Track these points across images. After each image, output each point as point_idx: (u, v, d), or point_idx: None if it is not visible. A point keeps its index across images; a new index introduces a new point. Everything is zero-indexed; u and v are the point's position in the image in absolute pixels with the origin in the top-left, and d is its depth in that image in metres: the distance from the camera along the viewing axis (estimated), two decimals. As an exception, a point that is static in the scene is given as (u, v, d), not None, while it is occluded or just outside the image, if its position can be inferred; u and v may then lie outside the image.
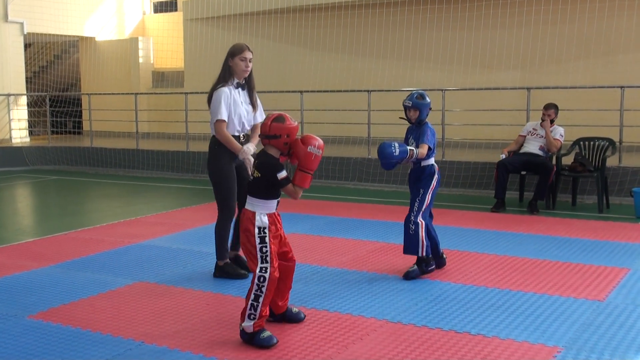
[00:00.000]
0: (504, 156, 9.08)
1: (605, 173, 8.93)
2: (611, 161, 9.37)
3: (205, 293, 5.37)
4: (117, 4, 19.22)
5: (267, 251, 4.28)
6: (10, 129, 16.47)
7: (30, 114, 17.70)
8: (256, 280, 4.24)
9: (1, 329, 4.62)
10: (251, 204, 4.37)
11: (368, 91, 12.07)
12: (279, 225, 4.46)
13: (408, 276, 5.65)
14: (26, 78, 17.31)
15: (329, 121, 13.17)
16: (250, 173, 4.62)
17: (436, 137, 5.80)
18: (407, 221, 5.76)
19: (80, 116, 18.76)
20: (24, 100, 17.00)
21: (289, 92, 13.61)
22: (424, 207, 5.74)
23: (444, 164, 10.76)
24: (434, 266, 5.80)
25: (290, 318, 4.65)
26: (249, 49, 5.73)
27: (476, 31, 13.47)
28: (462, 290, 5.33)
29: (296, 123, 4.36)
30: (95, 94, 16.37)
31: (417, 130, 5.77)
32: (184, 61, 17.49)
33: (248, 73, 5.75)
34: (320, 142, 4.35)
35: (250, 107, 5.83)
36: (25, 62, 17.38)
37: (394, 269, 5.97)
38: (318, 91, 13.50)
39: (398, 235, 7.28)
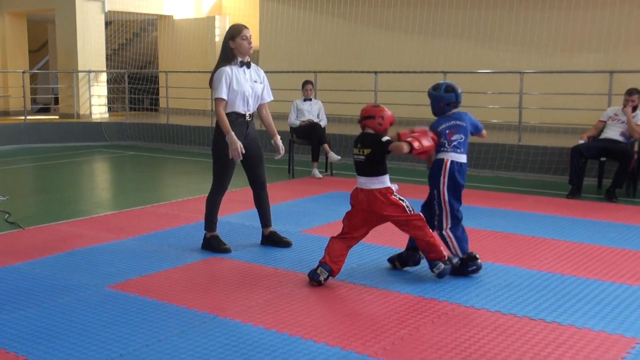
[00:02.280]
0: (582, 141, 8.85)
1: (690, 161, 8.60)
2: (697, 149, 9.01)
3: (278, 270, 5.42)
4: (195, -18, 19.46)
5: (408, 204, 5.04)
6: (91, 105, 16.93)
7: (109, 90, 18.14)
8: (421, 223, 5.04)
9: (81, 297, 4.77)
10: (373, 182, 5.01)
11: (444, 72, 11.90)
12: None
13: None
14: (106, 55, 17.73)
15: (404, 102, 13.05)
16: (355, 154, 5.08)
17: (457, 129, 5.23)
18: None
19: (157, 93, 19.13)
20: (103, 77, 17.42)
21: (363, 72, 13.54)
22: (444, 212, 5.20)
23: (520, 148, 10.57)
24: (478, 266, 5.23)
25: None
26: (246, 28, 5.83)
27: (557, 11, 13.11)
28: (537, 277, 5.23)
29: (391, 113, 5.05)
30: (172, 71, 16.64)
31: (449, 118, 5.31)
32: (259, 40, 17.60)
33: (251, 51, 5.83)
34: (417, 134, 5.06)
35: (257, 85, 5.87)
36: (105, 40, 17.79)
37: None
38: (392, 72, 13.38)
39: (470, 219, 7.19)
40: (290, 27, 16.82)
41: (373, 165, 5.01)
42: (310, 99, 10.63)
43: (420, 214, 5.10)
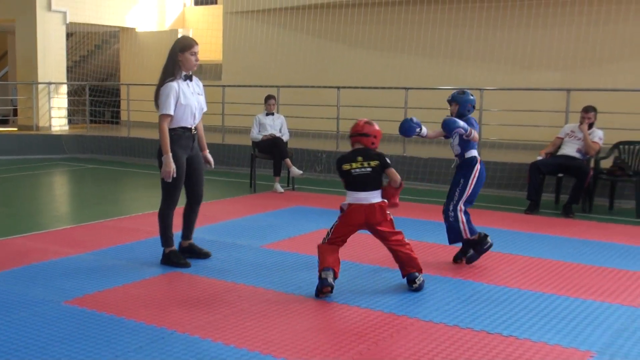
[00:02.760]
0: (540, 158, 9.00)
1: (644, 178, 8.80)
2: (651, 166, 9.21)
3: (238, 285, 5.41)
4: (158, -5, 19.41)
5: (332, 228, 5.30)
6: (50, 117, 16.74)
7: (69, 102, 17.96)
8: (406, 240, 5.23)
9: (37, 313, 4.70)
10: (374, 196, 5.13)
11: (406, 88, 12.02)
12: None
13: (470, 261, 6.06)
14: (67, 67, 17.56)
15: (366, 118, 13.13)
16: (355, 169, 5.15)
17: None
18: (446, 210, 6.08)
19: (119, 106, 18.99)
20: (64, 89, 17.26)
21: (326, 87, 13.61)
22: (464, 197, 5.99)
23: (480, 164, 10.67)
24: (489, 243, 6.01)
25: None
26: (197, 43, 5.83)
27: (517, 30, 13.35)
28: (494, 292, 5.30)
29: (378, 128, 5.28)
30: (134, 84, 16.53)
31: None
32: (222, 54, 17.60)
33: (196, 67, 5.83)
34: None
35: (201, 97, 5.91)
36: (67, 51, 17.63)
37: (426, 268, 5.94)
38: (355, 87, 13.48)
39: (432, 234, 7.27)
40: (253, 41, 16.85)
41: (377, 179, 5.16)
42: (273, 114, 10.64)
43: (401, 230, 5.31)
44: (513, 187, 10.34)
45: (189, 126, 5.80)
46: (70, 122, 17.94)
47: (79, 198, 10.55)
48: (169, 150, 5.64)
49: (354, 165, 5.13)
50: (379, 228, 5.17)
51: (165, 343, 4.16)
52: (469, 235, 6.00)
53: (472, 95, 6.16)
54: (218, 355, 3.97)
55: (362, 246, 6.73)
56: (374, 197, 5.13)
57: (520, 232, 7.48)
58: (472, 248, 6.05)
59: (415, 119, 5.97)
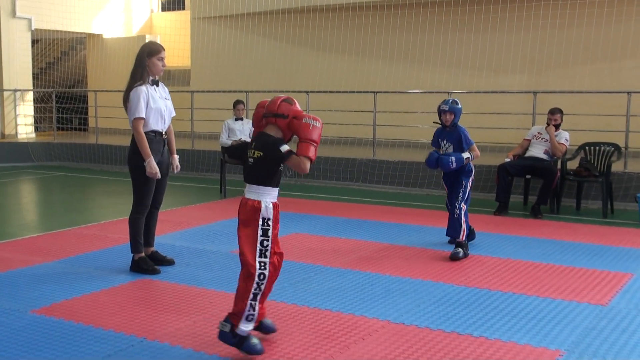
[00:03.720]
0: (508, 160, 9.08)
1: (610, 178, 8.92)
2: (616, 166, 9.34)
3: (209, 290, 5.37)
4: (125, 1, 19.28)
5: (267, 245, 4.07)
6: (17, 125, 16.52)
7: (36, 110, 17.74)
8: (256, 278, 4.00)
9: (4, 323, 4.62)
10: (254, 192, 4.12)
11: (374, 92, 12.06)
12: (278, 217, 4.23)
13: (455, 257, 6.32)
14: (33, 74, 17.35)
15: (335, 122, 13.16)
16: (248, 156, 4.15)
17: None
18: (452, 205, 6.61)
19: (86, 113, 18.80)
20: (30, 96, 17.04)
21: (294, 92, 13.60)
22: (467, 196, 6.61)
23: (449, 167, 10.73)
24: (469, 252, 6.49)
25: (266, 327, 4.33)
26: (164, 49, 5.87)
27: (483, 34, 13.46)
28: (465, 293, 5.32)
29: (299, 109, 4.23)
30: (102, 91, 16.38)
31: (451, 133, 6.65)
32: (190, 60, 17.52)
33: (162, 72, 5.87)
34: (314, 116, 4.14)
35: (168, 102, 5.92)
36: (33, 58, 17.42)
37: (397, 270, 5.97)
38: (324, 92, 13.49)
39: (401, 236, 7.30)
40: (222, 46, 16.79)
41: (261, 172, 4.16)
42: (242, 119, 10.61)
43: (266, 262, 4.09)
44: (482, 189, 10.41)
45: (160, 130, 5.82)
46: (37, 129, 17.71)
47: (46, 206, 10.41)
48: (149, 153, 5.65)
49: (249, 152, 4.16)
50: (238, 231, 4.15)
51: (134, 351, 4.12)
52: (464, 239, 6.50)
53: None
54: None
55: (331, 251, 6.73)
56: (252, 191, 4.14)
57: (489, 234, 7.54)
58: (460, 247, 6.47)
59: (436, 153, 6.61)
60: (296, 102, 4.22)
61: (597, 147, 9.29)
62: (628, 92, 10.02)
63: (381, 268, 6.04)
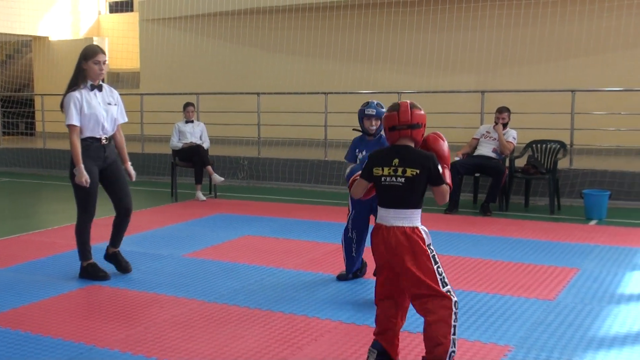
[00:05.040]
0: (458, 158, 9.20)
1: (556, 175, 9.10)
2: (562, 163, 9.54)
3: (159, 295, 5.33)
4: (71, 3, 18.97)
5: (442, 271, 3.62)
6: (-40, 130, 16.12)
7: (-19, 114, 17.34)
8: (454, 309, 3.57)
9: (-52, 333, 4.52)
10: (405, 217, 3.61)
11: (325, 93, 12.10)
12: None
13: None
14: (-23, 78, 16.98)
15: (286, 123, 13.18)
16: (386, 177, 3.64)
17: None
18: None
19: (33, 117, 18.45)
20: (-26, 100, 16.67)
21: (246, 93, 13.57)
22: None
23: (400, 166, 10.81)
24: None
25: None
26: (102, 52, 5.63)
27: (432, 34, 13.61)
28: (416, 291, 5.37)
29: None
30: (49, 94, 16.08)
31: (372, 143, 5.44)
32: (139, 62, 17.33)
33: (103, 76, 5.67)
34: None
35: (111, 107, 5.71)
36: (-24, 62, 17.05)
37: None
38: (275, 93, 13.48)
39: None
40: (171, 48, 16.65)
41: (414, 194, 3.65)
42: (193, 121, 10.54)
43: (452, 290, 3.68)
44: (433, 188, 10.50)
45: (98, 136, 5.62)
46: (-19, 134, 17.31)
47: (-8, 213, 10.19)
48: (80, 160, 5.50)
49: (386, 170, 3.66)
50: (406, 269, 3.58)
51: (84, 359, 4.06)
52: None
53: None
54: None
55: (283, 252, 6.74)
56: (399, 217, 3.63)
57: (440, 232, 7.61)
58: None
59: None
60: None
61: (544, 145, 9.47)
62: (572, 91, 10.23)
63: (334, 269, 6.06)
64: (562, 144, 9.36)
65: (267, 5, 15.04)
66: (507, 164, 9.24)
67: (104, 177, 5.76)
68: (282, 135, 13.59)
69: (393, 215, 3.62)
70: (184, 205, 9.84)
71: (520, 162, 9.50)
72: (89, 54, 5.58)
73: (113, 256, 6.00)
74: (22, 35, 18.52)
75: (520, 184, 9.59)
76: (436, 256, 3.64)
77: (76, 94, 5.55)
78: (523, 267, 6.06)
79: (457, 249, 6.82)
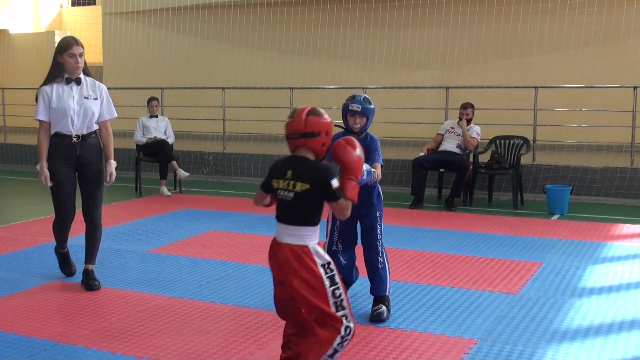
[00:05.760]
0: (422, 154, 9.26)
1: (520, 170, 9.21)
2: (525, 159, 9.65)
3: (124, 291, 5.28)
4: (32, -4, 18.68)
5: (340, 293, 3.29)
6: None
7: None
8: (342, 333, 3.28)
9: None
10: (295, 234, 3.30)
11: (290, 89, 12.09)
12: None
13: (380, 319, 4.58)
14: None
15: (252, 118, 13.13)
16: (280, 190, 3.35)
17: None
18: (373, 254, 4.78)
19: (-7, 111, 18.10)
20: None
21: (210, 88, 13.50)
22: (382, 229, 4.86)
23: (365, 162, 10.84)
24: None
25: None
26: (77, 44, 5.27)
27: (397, 30, 13.67)
28: (382, 286, 5.39)
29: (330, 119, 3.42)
30: (10, 88, 15.82)
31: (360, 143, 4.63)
32: (103, 56, 17.13)
33: (80, 69, 5.31)
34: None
35: (89, 102, 5.32)
36: None
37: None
38: (240, 88, 13.43)
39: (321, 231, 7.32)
40: (135, 42, 16.48)
41: (306, 209, 3.33)
42: (157, 116, 10.46)
43: (347, 314, 3.35)
44: (397, 183, 10.58)
45: (67, 133, 5.28)
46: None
47: (-49, 209, 10.00)
48: (42, 157, 5.26)
49: (281, 182, 3.36)
50: (294, 289, 3.28)
51: (47, 355, 4.01)
52: (389, 292, 4.80)
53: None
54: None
55: (249, 248, 6.72)
56: (291, 234, 3.33)
57: (405, 227, 7.67)
58: (382, 303, 4.72)
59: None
60: (324, 112, 3.39)
61: (507, 141, 9.57)
62: (535, 87, 10.36)
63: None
64: (525, 140, 9.48)
65: (231, 0, 14.96)
66: (471, 159, 9.31)
67: (79, 179, 5.45)
68: (247, 130, 13.55)
69: (284, 231, 3.32)
70: (149, 200, 9.76)
71: (484, 158, 9.59)
72: (64, 47, 5.26)
73: (84, 273, 5.50)
74: (-19, 28, 18.20)
75: (484, 179, 9.68)
76: (336, 277, 3.29)
77: (46, 87, 5.30)
78: (487, 261, 6.13)
79: (421, 243, 6.87)
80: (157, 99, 10.61)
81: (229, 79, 14.50)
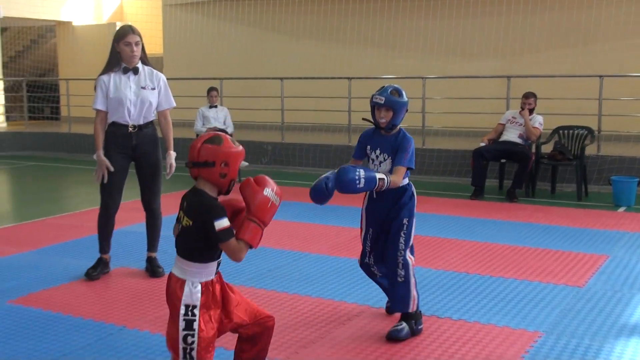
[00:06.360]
0: (483, 144, 9.13)
1: (584, 161, 9.01)
2: (590, 150, 9.43)
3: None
4: (95, -12, 19.03)
5: (193, 342, 3.02)
6: (-14, 114, 16.28)
7: (6, 99, 17.49)
8: None
9: (-20, 314, 4.57)
10: (179, 267, 3.11)
11: (349, 78, 12.05)
12: (219, 294, 3.17)
13: (397, 337, 4.07)
14: (2, 63, 17.09)
15: (309, 108, 13.14)
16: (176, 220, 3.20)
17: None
18: (392, 264, 4.20)
19: (58, 102, 18.56)
20: (0, 85, 16.78)
21: (268, 78, 13.55)
22: (410, 242, 4.25)
23: (424, 152, 10.78)
24: (422, 325, 4.24)
25: None
26: (133, 32, 5.23)
27: (457, 19, 13.49)
28: (443, 276, 5.35)
29: (240, 148, 3.13)
30: (73, 79, 16.17)
31: (388, 140, 4.19)
32: (163, 47, 17.36)
33: (137, 58, 5.28)
34: (278, 188, 3.22)
35: (146, 92, 5.31)
36: (2, 47, 17.14)
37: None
38: (298, 78, 13.45)
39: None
40: (195, 33, 16.66)
41: (191, 244, 3.10)
42: (216, 106, 10.55)
43: None
44: (457, 173, 10.46)
45: (124, 123, 5.26)
46: (8, 119, 17.46)
47: (19, 196, 10.29)
48: (99, 146, 5.25)
49: (180, 212, 3.18)
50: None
51: (114, 339, 4.09)
52: (415, 308, 4.19)
53: (406, 96, 4.24)
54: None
55: (308, 237, 6.73)
56: (177, 266, 3.14)
57: (466, 218, 7.58)
58: (404, 320, 4.18)
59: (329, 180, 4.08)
60: (228, 138, 3.11)
61: (571, 131, 9.36)
62: (600, 76, 10.11)
63: (359, 254, 6.03)
64: (590, 130, 9.26)
65: (290, -10, 15.00)
66: (533, 149, 9.15)
67: (136, 169, 5.45)
68: (305, 121, 13.56)
69: (175, 260, 3.16)
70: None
71: (547, 148, 9.40)
72: (120, 36, 5.26)
73: (147, 260, 5.59)
74: (46, 21, 18.60)
75: (546, 170, 9.49)
76: (194, 324, 3.02)
77: (104, 77, 5.31)
78: (551, 254, 6.01)
79: (482, 235, 6.77)
80: (216, 89, 10.70)
81: (288, 69, 14.54)
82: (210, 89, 10.58)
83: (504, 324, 4.31)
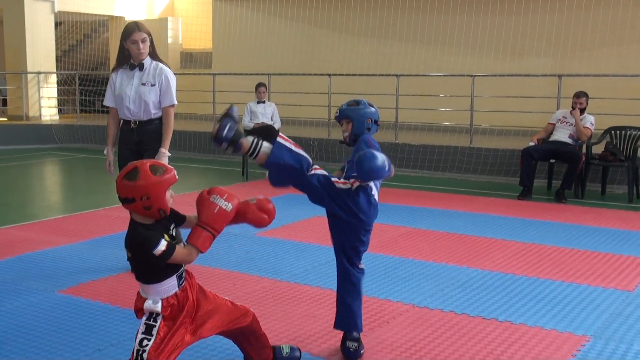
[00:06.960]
0: (532, 144, 9.01)
1: (636, 163, 8.82)
2: (642, 151, 9.23)
3: (232, 272, 5.40)
4: (147, -17, 19.28)
5: (147, 345, 3.06)
6: (40, 107, 16.62)
7: (59, 92, 17.82)
8: None
9: (32, 302, 4.68)
10: (141, 288, 3.22)
11: (397, 75, 12.00)
12: (187, 298, 3.25)
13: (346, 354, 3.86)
14: (56, 56, 17.42)
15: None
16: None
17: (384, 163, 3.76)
18: (348, 277, 4.15)
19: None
20: (53, 78, 17.12)
21: (316, 75, 13.57)
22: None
23: (472, 150, 10.69)
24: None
25: None
26: (139, 30, 5.21)
27: (507, 16, 13.32)
28: (489, 277, 5.30)
29: (165, 176, 3.04)
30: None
31: (354, 153, 3.90)
32: (212, 42, 17.52)
33: (145, 54, 5.28)
34: (232, 196, 3.35)
35: (145, 88, 5.28)
36: (56, 41, 17.48)
37: (421, 254, 5.96)
38: (346, 74, 13.44)
39: (423, 220, 7.28)
40: (243, 29, 16.77)
41: (139, 270, 3.19)
42: (264, 102, 10.60)
43: None
44: (505, 173, 10.34)
45: (127, 119, 5.37)
46: (60, 111, 17.80)
47: (70, 188, 10.50)
48: (108, 142, 5.47)
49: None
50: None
51: (161, 331, 4.14)
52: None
53: (372, 106, 4.06)
54: (214, 341, 3.95)
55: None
56: (140, 287, 3.24)
57: (513, 218, 7.49)
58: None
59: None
60: (148, 169, 3.00)
61: (623, 132, 9.18)
62: (655, 76, 9.89)
63: (404, 252, 6.03)
64: (643, 131, 9.06)
65: (339, -14, 14.99)
66: (583, 150, 8.99)
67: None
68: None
69: None
70: (255, 184, 9.92)
71: (598, 149, 9.23)
72: (126, 33, 5.26)
73: None
74: (99, 15, 18.92)
75: (597, 171, 9.32)
76: (154, 330, 3.08)
77: (114, 73, 5.46)
78: (600, 256, 5.91)
79: (530, 235, 6.69)
80: (264, 85, 10.75)
81: (335, 66, 14.55)
82: (259, 85, 10.64)
83: (550, 327, 4.26)
